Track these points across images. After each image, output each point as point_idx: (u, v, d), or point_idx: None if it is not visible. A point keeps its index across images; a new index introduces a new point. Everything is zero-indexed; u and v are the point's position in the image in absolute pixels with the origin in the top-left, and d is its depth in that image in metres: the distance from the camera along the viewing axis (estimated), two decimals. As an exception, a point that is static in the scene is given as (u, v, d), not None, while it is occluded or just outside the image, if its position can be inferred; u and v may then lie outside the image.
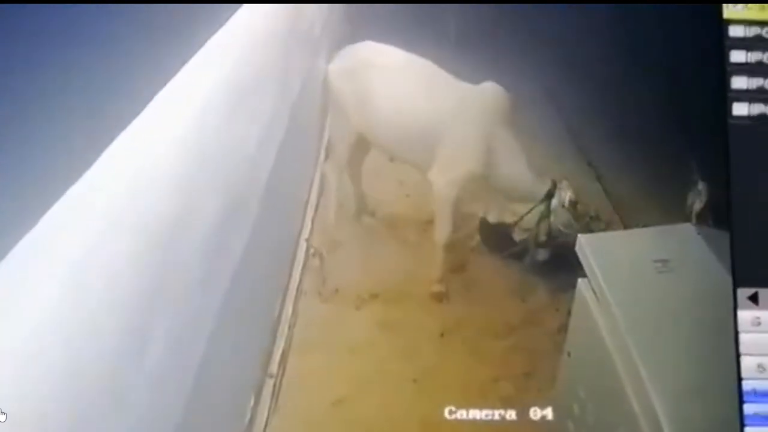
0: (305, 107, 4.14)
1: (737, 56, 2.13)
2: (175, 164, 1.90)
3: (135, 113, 1.60)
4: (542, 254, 4.34)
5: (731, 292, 2.04)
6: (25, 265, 1.15)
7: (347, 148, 4.63)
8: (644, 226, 3.22)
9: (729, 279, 2.06)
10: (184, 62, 1.97)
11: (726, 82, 2.12)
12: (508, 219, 4.34)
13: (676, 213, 3.25)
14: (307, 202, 4.69)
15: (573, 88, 5.48)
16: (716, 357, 2.14)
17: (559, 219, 4.15)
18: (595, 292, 2.76)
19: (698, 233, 2.91)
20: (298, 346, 3.74)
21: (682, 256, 2.80)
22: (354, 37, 4.85)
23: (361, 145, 4.63)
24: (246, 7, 2.63)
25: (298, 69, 3.83)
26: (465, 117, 4.12)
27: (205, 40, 2.16)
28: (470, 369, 3.79)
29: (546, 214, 4.16)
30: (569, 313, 3.05)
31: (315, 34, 4.53)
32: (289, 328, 3.73)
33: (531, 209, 4.19)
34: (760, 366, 1.99)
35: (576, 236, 3.58)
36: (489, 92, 4.18)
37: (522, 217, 4.25)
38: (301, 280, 4.13)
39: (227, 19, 2.40)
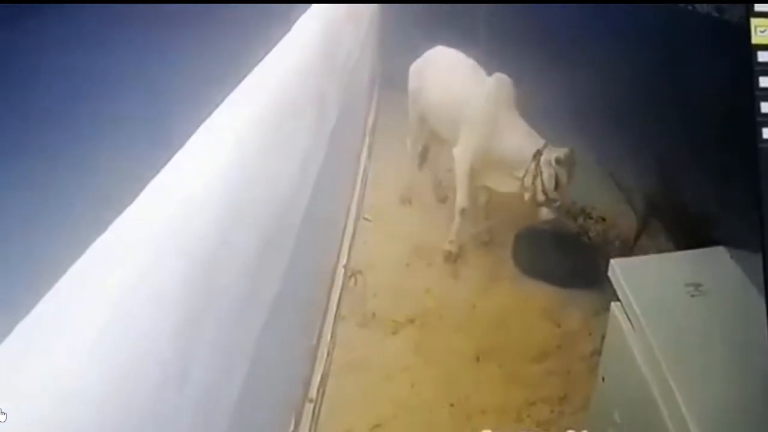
0: (342, 135, 4.19)
1: (766, 82, 2.14)
2: (218, 195, 1.90)
3: (179, 145, 1.62)
4: (546, 214, 4.65)
5: (765, 315, 2.03)
6: (72, 295, 1.17)
7: (417, 134, 5.45)
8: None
9: (762, 302, 2.05)
10: (225, 95, 1.99)
11: (756, 107, 2.12)
12: (514, 187, 4.71)
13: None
14: (344, 228, 4.73)
15: (606, 122, 5.49)
16: (751, 380, 2.13)
17: (547, 176, 4.52)
18: (628, 317, 2.77)
19: (731, 256, 2.90)
20: (336, 370, 3.76)
21: (715, 280, 2.80)
22: (385, 69, 5.21)
23: (430, 135, 5.40)
24: (284, 41, 2.66)
25: (335, 97, 3.87)
26: (477, 101, 4.80)
27: (245, 75, 2.19)
28: (506, 393, 3.80)
29: (537, 173, 4.55)
30: (603, 337, 3.05)
31: (350, 67, 4.60)
32: (328, 353, 3.74)
33: (526, 170, 4.59)
34: (794, 388, 1.99)
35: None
36: (495, 81, 4.87)
37: (523, 178, 4.63)
38: (339, 306, 4.15)
39: (267, 52, 2.43)
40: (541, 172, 4.52)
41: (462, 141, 4.85)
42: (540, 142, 4.59)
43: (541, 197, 4.57)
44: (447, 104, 4.98)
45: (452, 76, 5.04)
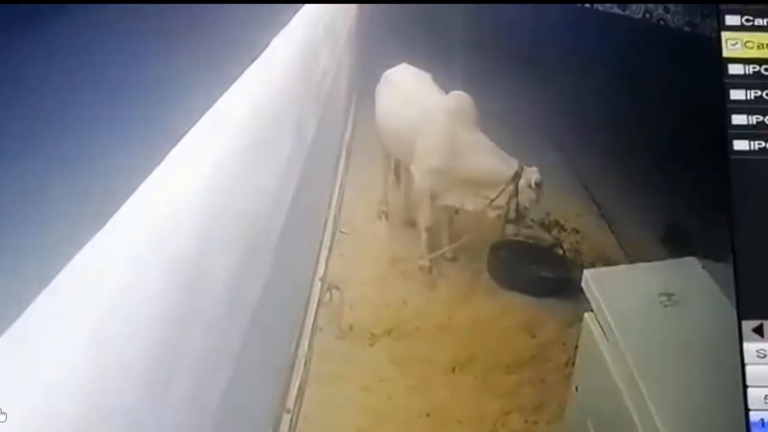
0: (319, 148, 4.20)
1: (737, 94, 2.16)
2: (196, 210, 1.90)
3: (158, 162, 1.60)
4: (511, 229, 4.76)
5: (736, 325, 2.04)
6: (53, 307, 1.16)
7: (383, 154, 5.46)
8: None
9: (734, 312, 2.05)
10: (204, 111, 1.98)
11: (727, 120, 2.15)
12: (481, 205, 4.74)
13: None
14: (321, 242, 4.74)
15: (580, 137, 5.54)
16: (723, 389, 2.13)
17: (525, 197, 4.57)
18: (601, 327, 2.79)
19: (703, 267, 2.92)
20: (313, 382, 3.76)
21: (687, 290, 2.81)
22: (363, 84, 5.20)
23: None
24: (262, 58, 2.67)
25: (311, 116, 3.88)
26: (433, 120, 4.78)
27: (224, 91, 2.19)
28: (482, 403, 3.82)
29: (514, 194, 4.58)
30: (577, 347, 3.07)
31: (327, 83, 4.62)
32: (305, 363, 3.74)
33: (501, 190, 4.61)
34: (767, 398, 1.98)
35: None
36: (453, 99, 4.87)
37: (494, 199, 4.65)
38: (316, 318, 4.15)
39: (245, 69, 2.43)
40: (518, 194, 4.56)
41: (419, 159, 4.82)
42: (514, 164, 4.60)
43: (512, 215, 4.63)
44: (398, 123, 4.99)
45: (406, 96, 5.04)
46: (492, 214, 4.70)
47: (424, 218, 4.95)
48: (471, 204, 4.79)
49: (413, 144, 4.83)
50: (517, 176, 4.56)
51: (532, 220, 4.88)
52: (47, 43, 1.41)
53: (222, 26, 2.24)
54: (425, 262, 4.94)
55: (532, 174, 4.54)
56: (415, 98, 4.96)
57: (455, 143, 4.68)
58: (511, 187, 4.57)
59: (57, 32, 1.41)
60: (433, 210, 4.93)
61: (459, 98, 4.83)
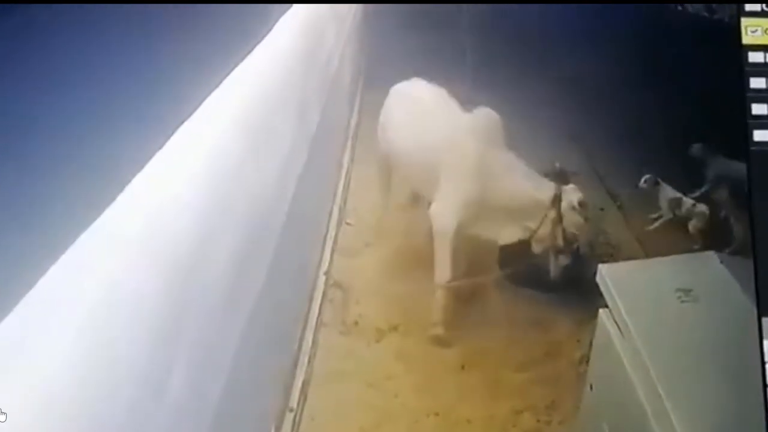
0: (324, 138, 4.16)
1: (757, 83, 2.12)
2: (196, 200, 1.89)
3: (156, 149, 1.61)
4: (563, 260, 4.32)
5: (756, 322, 2.00)
6: (46, 301, 1.15)
7: (383, 177, 4.96)
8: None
9: (753, 308, 2.04)
10: (203, 98, 1.97)
11: (747, 109, 2.10)
12: (521, 235, 4.28)
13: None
14: (325, 235, 4.68)
15: (596, 128, 5.50)
16: (742, 388, 2.11)
17: (570, 221, 4.17)
18: (617, 323, 2.74)
19: (721, 261, 2.87)
20: (317, 379, 3.69)
21: (705, 286, 2.76)
22: (369, 69, 5.08)
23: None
24: (265, 43, 2.64)
25: (316, 103, 3.85)
26: (459, 146, 4.26)
27: (224, 77, 2.16)
28: (492, 402, 3.76)
29: (558, 220, 4.17)
30: (591, 344, 3.02)
31: (332, 68, 4.57)
32: (309, 360, 3.69)
33: (543, 219, 4.19)
34: (788, 398, 1.92)
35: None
36: (480, 118, 4.38)
37: (536, 230, 4.22)
38: (320, 313, 4.09)
39: (246, 54, 2.41)
40: (562, 219, 4.16)
41: (444, 196, 4.29)
42: (551, 187, 4.19)
43: (560, 243, 4.23)
44: (417, 150, 4.44)
45: (423, 118, 4.50)
46: (537, 248, 4.29)
47: (442, 272, 4.32)
48: (507, 235, 4.32)
49: (437, 178, 4.32)
50: (557, 199, 4.15)
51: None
52: (45, 39, 1.40)
53: (223, 12, 2.23)
54: (439, 330, 4.23)
55: (573, 193, 4.16)
56: (435, 121, 4.46)
57: (486, 168, 4.20)
58: (552, 213, 4.17)
59: (51, 27, 1.40)
60: (454, 261, 4.30)
61: (485, 116, 4.39)
